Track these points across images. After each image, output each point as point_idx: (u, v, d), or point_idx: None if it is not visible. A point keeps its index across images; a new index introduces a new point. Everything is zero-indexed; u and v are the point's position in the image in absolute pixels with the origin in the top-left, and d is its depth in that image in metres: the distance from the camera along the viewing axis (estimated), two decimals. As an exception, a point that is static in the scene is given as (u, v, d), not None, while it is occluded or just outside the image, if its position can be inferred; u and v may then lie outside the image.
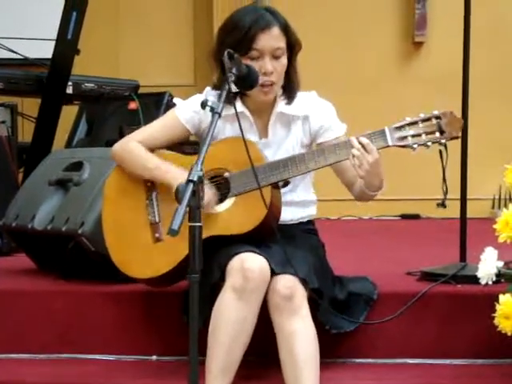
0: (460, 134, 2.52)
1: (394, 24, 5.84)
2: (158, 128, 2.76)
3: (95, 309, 2.95)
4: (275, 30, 2.60)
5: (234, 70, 2.45)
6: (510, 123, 5.65)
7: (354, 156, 2.49)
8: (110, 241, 2.74)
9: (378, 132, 2.51)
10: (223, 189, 2.61)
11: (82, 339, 2.95)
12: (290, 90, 2.70)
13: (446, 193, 2.59)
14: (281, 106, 2.70)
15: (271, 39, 2.59)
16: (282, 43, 2.61)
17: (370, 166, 2.48)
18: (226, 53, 2.45)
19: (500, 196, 5.50)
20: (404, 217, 5.69)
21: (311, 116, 2.71)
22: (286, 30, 2.63)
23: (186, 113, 2.72)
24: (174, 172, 2.61)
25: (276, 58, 2.61)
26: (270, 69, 2.59)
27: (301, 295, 2.48)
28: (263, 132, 2.72)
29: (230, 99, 2.42)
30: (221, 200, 2.60)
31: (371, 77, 5.78)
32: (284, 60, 2.63)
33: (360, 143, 2.48)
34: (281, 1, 5.10)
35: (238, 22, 2.60)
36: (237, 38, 2.58)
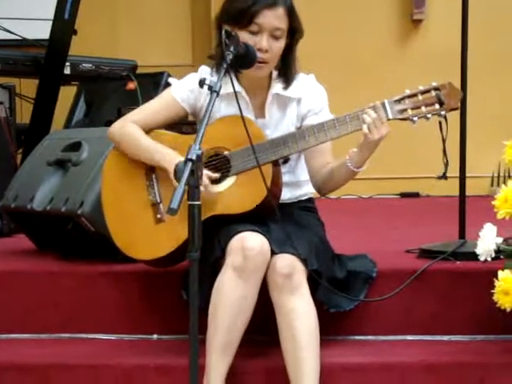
0: (459, 105, 2.52)
1: (393, 2, 5.81)
2: (155, 108, 2.76)
3: (96, 289, 2.96)
4: (280, 10, 2.58)
5: (231, 49, 2.44)
6: (508, 101, 5.64)
7: (368, 127, 2.48)
8: (111, 222, 2.74)
9: (378, 105, 2.51)
10: (224, 167, 2.61)
11: (82, 319, 2.96)
12: (287, 75, 2.69)
13: (446, 164, 2.59)
14: (277, 87, 2.69)
15: (274, 18, 2.57)
16: (283, 25, 2.60)
17: (380, 136, 2.48)
18: (223, 31, 2.44)
19: (499, 174, 5.49)
20: (403, 195, 5.69)
21: (303, 99, 2.71)
22: (291, 13, 2.62)
23: (182, 92, 2.72)
24: (169, 155, 2.60)
25: (274, 38, 2.59)
26: (266, 46, 2.58)
27: (300, 274, 2.49)
28: (259, 112, 2.71)
29: (229, 76, 2.42)
30: (222, 178, 2.60)
31: (370, 55, 5.77)
32: (282, 42, 2.61)
33: (370, 117, 2.48)
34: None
35: None
36: (240, 7, 2.56)
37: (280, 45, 2.61)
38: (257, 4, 2.56)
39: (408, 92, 2.52)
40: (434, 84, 2.51)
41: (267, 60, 2.60)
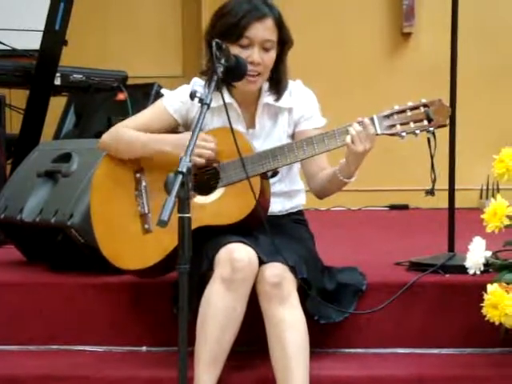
0: (448, 122, 2.54)
1: (382, 15, 5.83)
2: (146, 118, 2.76)
3: (85, 300, 2.95)
4: (269, 22, 2.60)
5: (222, 61, 2.45)
6: (497, 114, 5.67)
7: (352, 138, 2.48)
8: (99, 232, 2.74)
9: (367, 120, 2.52)
10: (213, 179, 2.61)
11: (71, 331, 2.95)
12: (277, 85, 2.70)
13: (434, 180, 2.60)
14: (267, 97, 2.70)
15: (264, 30, 2.59)
16: (273, 36, 2.61)
17: (364, 150, 2.48)
18: (214, 43, 2.45)
19: (488, 186, 5.52)
20: (393, 207, 5.70)
21: (294, 107, 2.72)
22: (280, 24, 2.63)
23: (174, 103, 2.72)
24: (172, 137, 2.61)
25: (265, 50, 2.61)
26: (258, 59, 2.59)
27: (290, 283, 2.49)
28: (250, 123, 2.72)
29: (218, 89, 2.43)
30: (211, 190, 2.60)
31: (360, 68, 5.78)
32: (273, 54, 2.63)
33: (355, 130, 2.49)
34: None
35: (233, 7, 2.60)
36: (230, 23, 2.58)
37: (271, 56, 2.62)
38: (246, 17, 2.57)
39: (397, 108, 2.53)
40: (424, 100, 2.52)
41: (260, 72, 2.62)
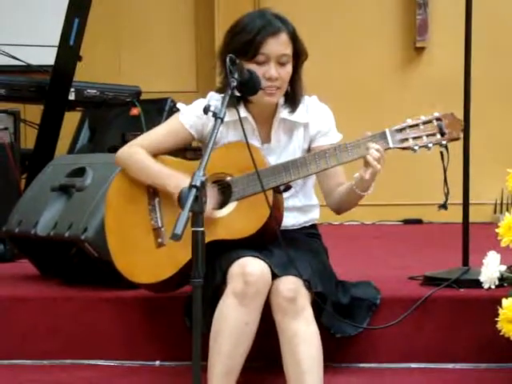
0: (461, 136, 2.53)
1: (396, 30, 5.84)
2: (162, 133, 2.77)
3: (98, 315, 2.95)
4: (283, 37, 2.60)
5: (236, 75, 2.45)
6: (511, 127, 5.65)
7: (366, 159, 2.48)
8: (113, 246, 2.74)
9: (379, 134, 2.52)
10: (226, 193, 2.61)
11: (85, 345, 2.95)
12: (293, 98, 2.70)
13: (447, 194, 2.59)
14: (284, 112, 2.71)
15: (279, 45, 2.59)
16: (288, 50, 2.62)
17: (380, 169, 2.48)
18: (228, 58, 2.45)
19: (502, 201, 5.50)
20: (406, 222, 5.69)
21: (311, 122, 2.72)
22: (294, 37, 2.64)
23: (190, 118, 2.73)
24: (176, 178, 2.61)
25: (281, 64, 2.61)
26: (275, 75, 2.60)
27: (304, 297, 2.48)
28: (265, 138, 2.72)
29: (233, 104, 2.43)
30: (223, 204, 2.61)
31: (373, 82, 5.79)
32: (289, 67, 2.63)
33: (378, 151, 2.48)
34: (281, 7, 5.10)
35: (246, 25, 2.60)
36: (244, 40, 2.58)
37: (287, 70, 2.63)
38: (260, 34, 2.57)
39: (410, 121, 2.52)
40: (436, 114, 2.52)
41: (279, 87, 2.62)
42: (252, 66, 2.57)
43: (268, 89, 2.60)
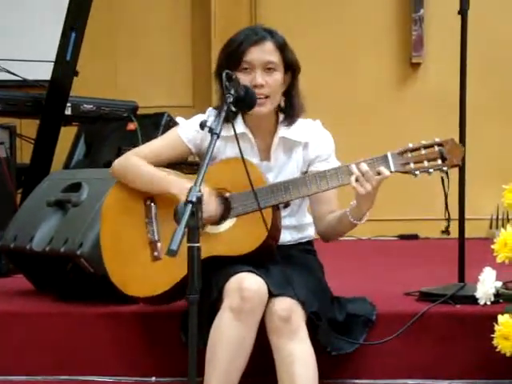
0: (461, 163, 2.52)
1: (392, 45, 5.86)
2: (160, 146, 2.77)
3: (94, 330, 2.94)
4: (268, 45, 2.62)
5: (231, 91, 2.46)
6: (507, 143, 5.67)
7: (356, 180, 2.49)
8: (108, 258, 2.73)
9: (381, 157, 2.51)
10: (224, 209, 2.61)
11: (80, 361, 2.94)
12: (290, 112, 2.71)
13: (448, 219, 2.59)
14: (283, 130, 2.71)
15: (262, 52, 2.61)
16: (274, 58, 2.63)
17: (366, 192, 2.48)
18: (224, 73, 2.46)
19: (498, 216, 5.51)
20: (402, 237, 5.69)
21: (310, 143, 2.72)
22: (282, 47, 2.65)
23: (189, 132, 2.73)
24: (179, 182, 2.60)
25: (268, 71, 2.62)
26: (260, 81, 2.60)
27: (299, 317, 2.48)
28: (264, 154, 2.72)
29: (229, 119, 2.44)
30: (222, 220, 2.60)
31: (369, 99, 5.80)
32: (277, 75, 2.64)
33: (360, 170, 2.49)
34: (277, 21, 5.13)
35: (232, 38, 2.65)
36: (229, 51, 2.62)
37: (275, 77, 2.63)
38: (243, 44, 2.61)
39: (411, 145, 2.51)
40: (437, 140, 2.51)
41: (267, 94, 2.62)
42: (241, 76, 2.58)
43: (257, 98, 2.59)
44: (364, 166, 2.49)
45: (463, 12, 3.03)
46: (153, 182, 2.66)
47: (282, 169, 2.72)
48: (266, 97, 2.62)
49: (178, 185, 2.57)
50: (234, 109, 2.46)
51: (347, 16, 5.87)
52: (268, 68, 2.62)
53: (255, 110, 2.62)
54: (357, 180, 2.49)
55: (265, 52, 2.61)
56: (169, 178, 2.65)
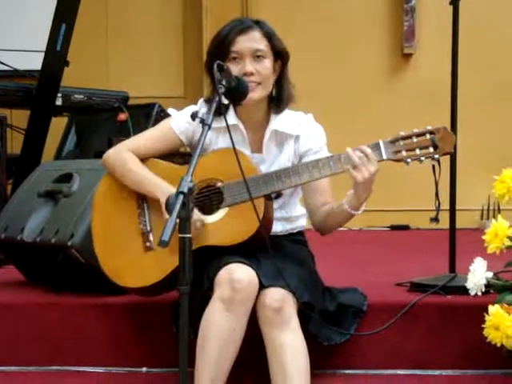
0: (452, 150, 2.52)
1: (383, 36, 5.86)
2: (152, 137, 2.76)
3: (85, 321, 2.94)
4: (255, 34, 2.63)
5: (223, 82, 2.45)
6: (498, 134, 5.68)
7: (354, 166, 2.48)
8: (100, 249, 2.73)
9: (373, 145, 2.51)
10: (216, 199, 2.61)
11: (71, 352, 2.94)
12: (279, 100, 2.70)
13: (438, 207, 2.59)
14: (275, 123, 2.70)
15: (249, 41, 2.62)
16: (261, 46, 2.63)
17: (370, 175, 2.48)
18: (215, 65, 2.46)
19: (489, 207, 5.52)
20: (393, 228, 5.70)
21: (302, 136, 2.72)
22: (270, 36, 2.65)
23: (181, 124, 2.73)
24: (164, 187, 2.60)
25: (258, 60, 2.62)
26: (250, 69, 2.60)
27: (290, 307, 2.48)
28: (255, 146, 2.72)
29: (221, 111, 2.43)
30: (214, 210, 2.60)
31: (360, 88, 5.81)
32: (266, 63, 2.64)
33: (362, 152, 2.48)
34: (269, 14, 5.14)
35: (220, 30, 2.65)
36: (217, 42, 2.63)
37: (265, 65, 2.63)
38: (231, 33, 2.61)
39: (402, 133, 2.51)
40: (429, 127, 2.51)
41: (258, 82, 2.62)
42: (231, 66, 2.58)
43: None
44: (367, 149, 2.49)
45: (455, 2, 3.03)
46: (140, 183, 2.67)
47: (273, 161, 2.71)
48: (258, 84, 2.62)
49: (164, 190, 2.57)
50: (226, 101, 2.46)
51: (339, 7, 5.87)
52: (257, 56, 2.62)
53: (248, 97, 2.61)
54: (354, 167, 2.48)
55: (252, 40, 2.62)
56: (156, 181, 2.64)
